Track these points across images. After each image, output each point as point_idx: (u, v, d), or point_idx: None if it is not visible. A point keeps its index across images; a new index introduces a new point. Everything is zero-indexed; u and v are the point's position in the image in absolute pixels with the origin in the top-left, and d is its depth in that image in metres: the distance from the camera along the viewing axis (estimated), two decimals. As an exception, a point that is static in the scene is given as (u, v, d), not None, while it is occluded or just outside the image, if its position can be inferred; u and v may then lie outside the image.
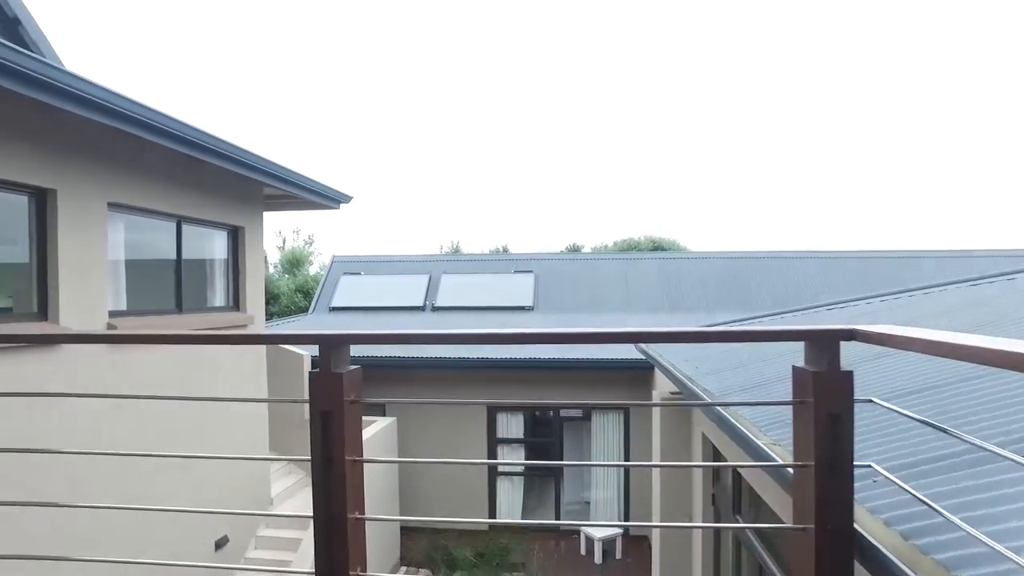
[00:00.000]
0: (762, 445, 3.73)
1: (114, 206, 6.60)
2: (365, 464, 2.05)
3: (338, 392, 1.97)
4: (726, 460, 6.42)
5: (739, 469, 5.96)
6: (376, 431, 11.01)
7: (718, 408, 4.88)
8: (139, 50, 62.11)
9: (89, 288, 6.25)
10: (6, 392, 2.12)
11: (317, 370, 1.99)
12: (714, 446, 6.93)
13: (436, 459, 13.30)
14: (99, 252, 6.38)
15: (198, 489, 7.53)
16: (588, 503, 13.26)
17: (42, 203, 5.88)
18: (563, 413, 13.23)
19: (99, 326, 6.33)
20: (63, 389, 5.65)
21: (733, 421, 4.37)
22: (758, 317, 10.82)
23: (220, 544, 7.95)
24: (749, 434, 3.98)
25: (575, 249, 36.86)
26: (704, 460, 7.68)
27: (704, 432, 7.40)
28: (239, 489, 8.51)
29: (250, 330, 9.08)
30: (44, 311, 5.87)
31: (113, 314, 6.59)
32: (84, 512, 5.65)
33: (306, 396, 2.00)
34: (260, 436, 9.27)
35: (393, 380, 13.10)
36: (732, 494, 6.55)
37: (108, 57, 52.13)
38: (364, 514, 2.03)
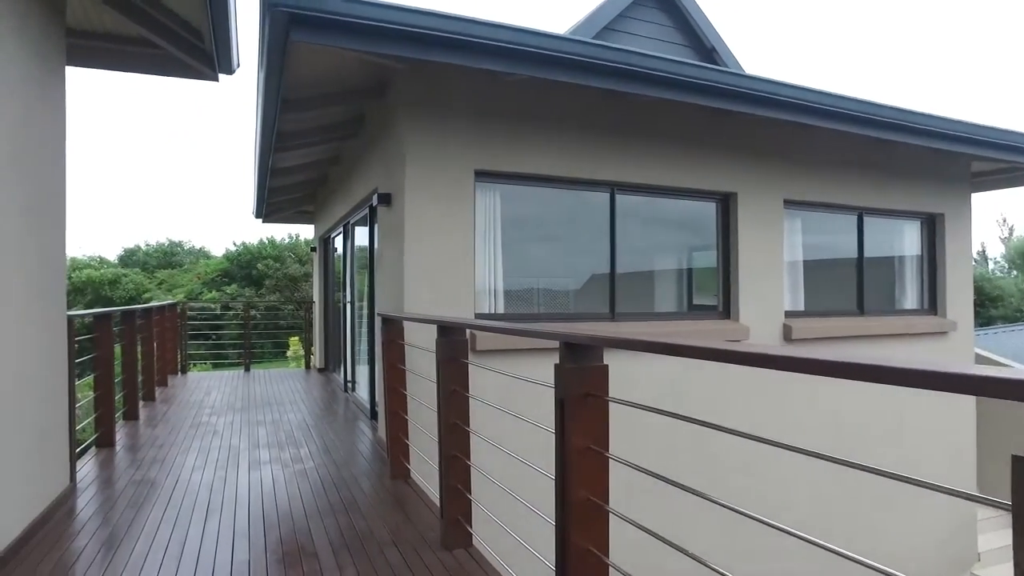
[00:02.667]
0: None
1: (789, 203, 6.38)
2: None
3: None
4: None
5: None
6: None
7: None
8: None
9: (766, 287, 6.20)
10: (620, 399, 1.92)
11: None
12: None
13: None
14: (775, 251, 6.26)
15: (884, 535, 6.57)
16: None
17: (725, 207, 6.14)
18: None
19: (775, 326, 6.21)
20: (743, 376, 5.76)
21: None
22: None
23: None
24: None
25: None
26: None
27: None
28: (933, 538, 7.07)
29: (950, 339, 7.46)
30: (728, 310, 6.13)
31: (789, 314, 6.38)
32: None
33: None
34: (965, 478, 7.50)
35: None
36: None
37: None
38: None
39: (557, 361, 2.10)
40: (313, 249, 11.34)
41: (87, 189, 59.53)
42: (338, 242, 8.80)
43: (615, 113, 5.41)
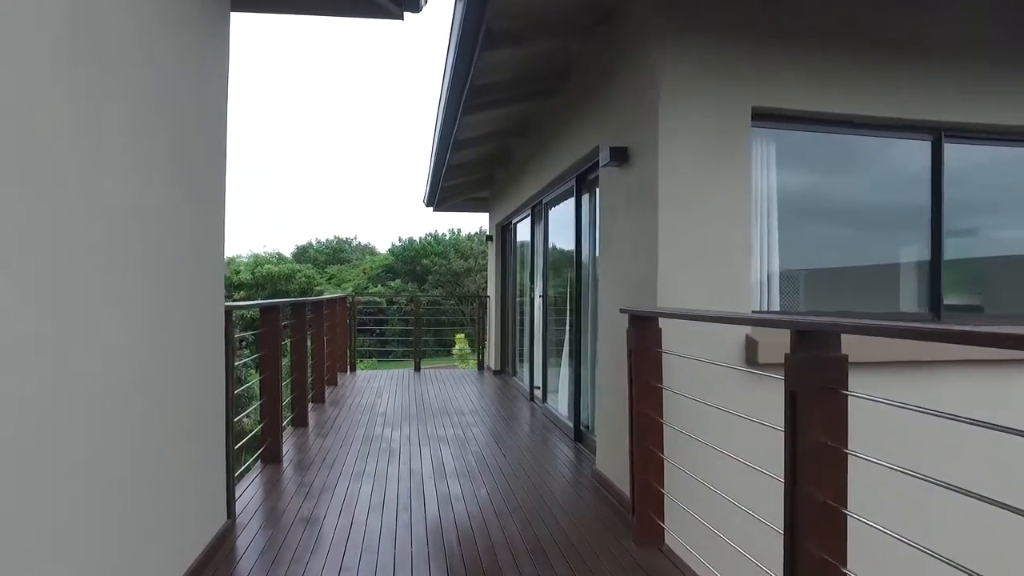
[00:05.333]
0: None
1: None
2: None
3: None
4: None
5: None
6: None
7: None
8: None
9: None
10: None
11: None
12: None
13: None
14: None
15: None
16: None
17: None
18: None
19: None
20: None
21: None
22: None
23: None
24: None
25: None
26: None
27: None
28: None
29: None
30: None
31: None
32: None
33: None
34: None
35: None
36: None
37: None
38: None
39: None
40: (489, 238, 10.34)
41: (268, 189, 64.94)
42: (523, 227, 7.66)
43: (943, 25, 3.68)
